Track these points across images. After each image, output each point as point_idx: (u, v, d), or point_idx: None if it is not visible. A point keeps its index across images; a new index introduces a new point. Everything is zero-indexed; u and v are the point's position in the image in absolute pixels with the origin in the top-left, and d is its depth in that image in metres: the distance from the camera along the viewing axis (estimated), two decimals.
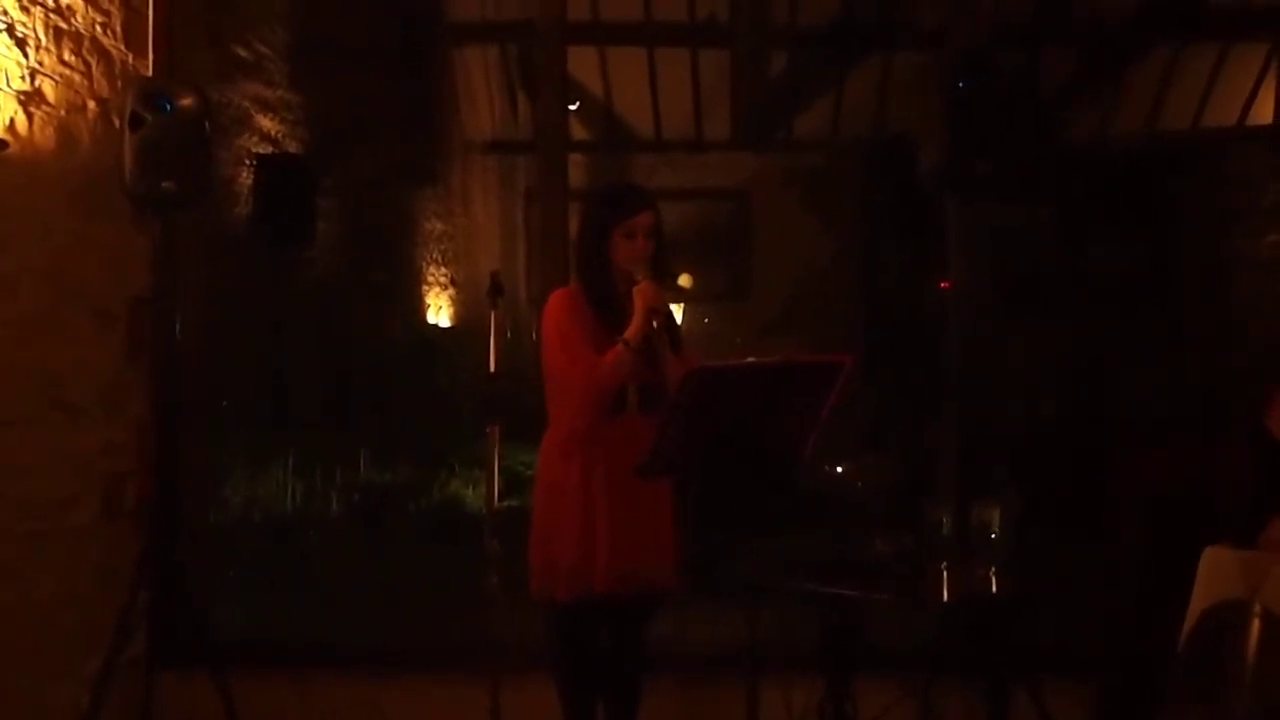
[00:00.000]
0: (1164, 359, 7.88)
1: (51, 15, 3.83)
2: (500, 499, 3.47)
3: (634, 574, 3.22)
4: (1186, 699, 2.88)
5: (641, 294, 3.18)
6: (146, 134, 3.55)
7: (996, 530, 3.30)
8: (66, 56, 3.89)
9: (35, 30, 3.75)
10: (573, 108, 9.64)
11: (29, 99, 3.71)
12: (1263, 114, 9.31)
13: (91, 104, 3.99)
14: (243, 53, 7.07)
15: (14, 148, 3.63)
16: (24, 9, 3.70)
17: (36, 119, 3.74)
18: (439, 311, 10.82)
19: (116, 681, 3.49)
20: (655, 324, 3.17)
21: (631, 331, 3.17)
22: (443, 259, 10.82)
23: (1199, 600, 2.92)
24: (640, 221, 3.28)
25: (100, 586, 3.89)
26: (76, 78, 3.94)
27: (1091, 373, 7.94)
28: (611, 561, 3.19)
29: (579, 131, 10.44)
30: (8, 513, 3.66)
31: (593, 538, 3.20)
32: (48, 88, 3.80)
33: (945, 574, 3.25)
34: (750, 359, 3.04)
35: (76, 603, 3.87)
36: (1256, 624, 2.72)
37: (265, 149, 7.23)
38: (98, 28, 4.04)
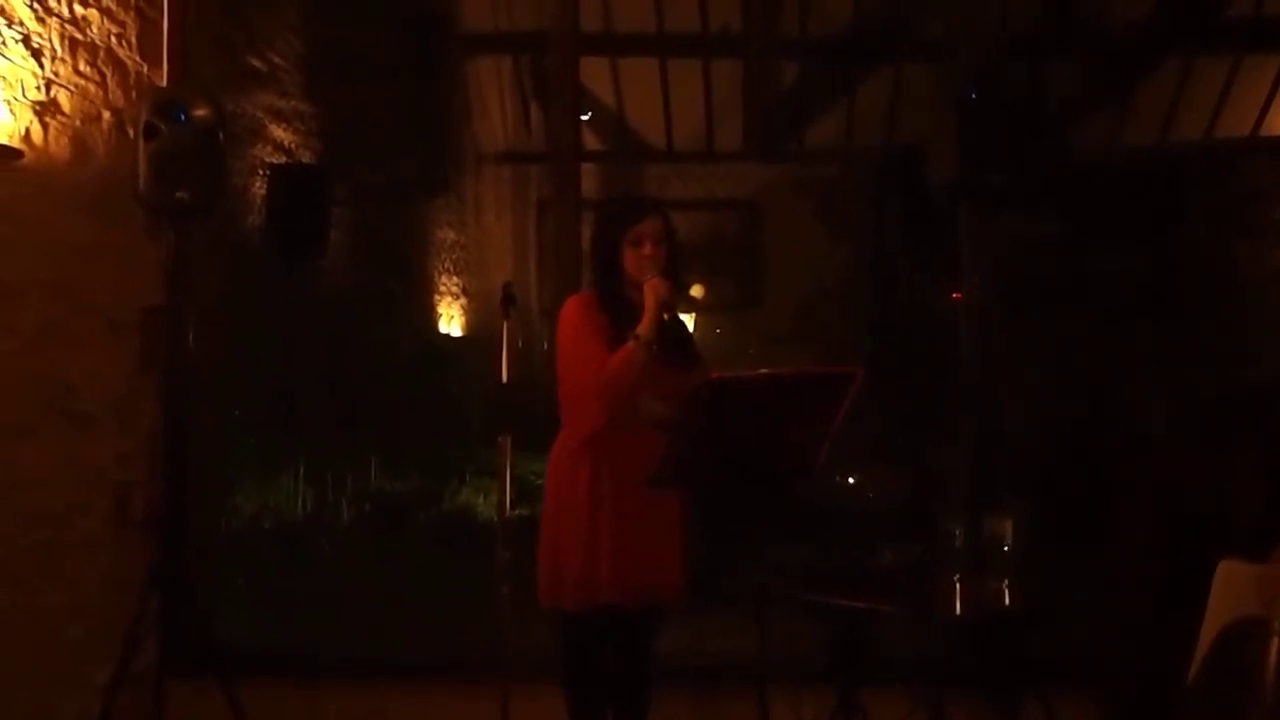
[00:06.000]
0: (1176, 370, 7.85)
1: (67, 26, 3.85)
2: (511, 508, 3.46)
3: (638, 584, 3.22)
4: None
5: (652, 289, 3.19)
6: (161, 144, 3.56)
7: (1009, 542, 3.28)
8: (82, 67, 3.91)
9: (51, 41, 3.77)
10: (584, 118, 9.66)
11: (44, 109, 3.73)
12: (1276, 125, 9.30)
13: (106, 114, 4.01)
14: (257, 63, 7.10)
15: (29, 157, 3.65)
16: (40, 20, 3.73)
17: (52, 129, 3.75)
18: (451, 321, 10.84)
19: (126, 691, 3.49)
20: (667, 316, 3.18)
21: (643, 327, 3.16)
22: (455, 269, 10.84)
23: (1214, 615, 2.90)
24: (646, 228, 3.27)
25: (110, 596, 3.89)
26: (91, 88, 3.95)
27: (1104, 384, 7.91)
28: (615, 571, 3.18)
29: (591, 142, 10.45)
30: (19, 522, 3.68)
31: (597, 547, 3.20)
32: (63, 98, 3.82)
33: (958, 586, 3.23)
34: (762, 370, 3.02)
35: (86, 612, 3.88)
36: (1276, 642, 2.70)
37: (279, 159, 7.26)
38: (113, 38, 4.06)
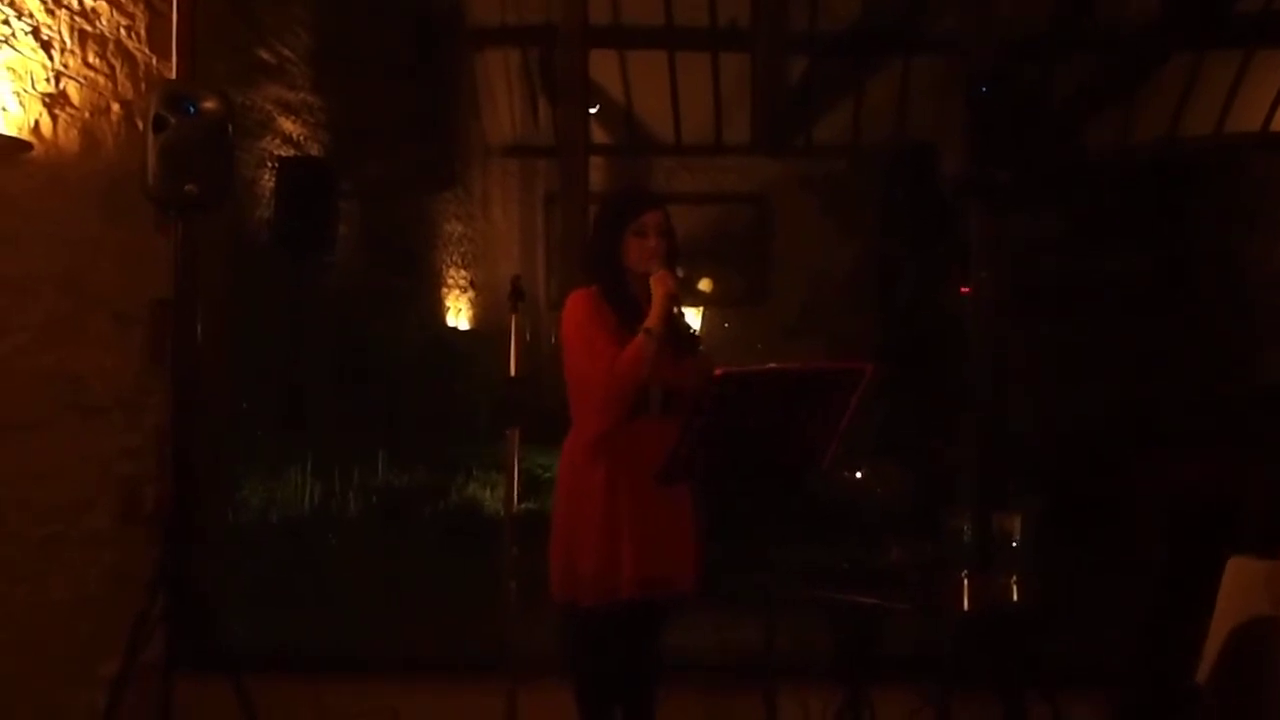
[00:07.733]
0: (1185, 367, 7.83)
1: (76, 18, 3.85)
2: (519, 503, 3.45)
3: (659, 580, 3.20)
4: None
5: (660, 281, 3.17)
6: (169, 136, 3.55)
7: (1017, 539, 3.27)
8: (91, 59, 3.91)
9: (60, 33, 3.77)
10: (593, 111, 9.64)
11: (53, 101, 3.73)
12: None
13: (115, 106, 4.00)
14: (265, 56, 7.10)
15: (38, 149, 3.65)
16: (49, 12, 3.73)
17: (61, 121, 3.75)
18: (458, 314, 10.84)
19: (133, 685, 3.49)
20: (676, 310, 3.17)
21: (652, 319, 3.15)
22: (462, 262, 10.85)
23: (1224, 613, 2.89)
24: (650, 219, 3.27)
25: (118, 590, 3.90)
26: (101, 80, 3.95)
27: (1112, 381, 7.89)
28: (637, 568, 3.16)
29: (599, 135, 10.45)
30: (27, 516, 3.68)
31: (617, 544, 3.17)
32: (72, 90, 3.81)
33: (965, 583, 3.23)
34: (771, 364, 3.01)
35: (94, 606, 3.88)
36: None
37: (287, 152, 7.26)
38: (122, 31, 4.06)
